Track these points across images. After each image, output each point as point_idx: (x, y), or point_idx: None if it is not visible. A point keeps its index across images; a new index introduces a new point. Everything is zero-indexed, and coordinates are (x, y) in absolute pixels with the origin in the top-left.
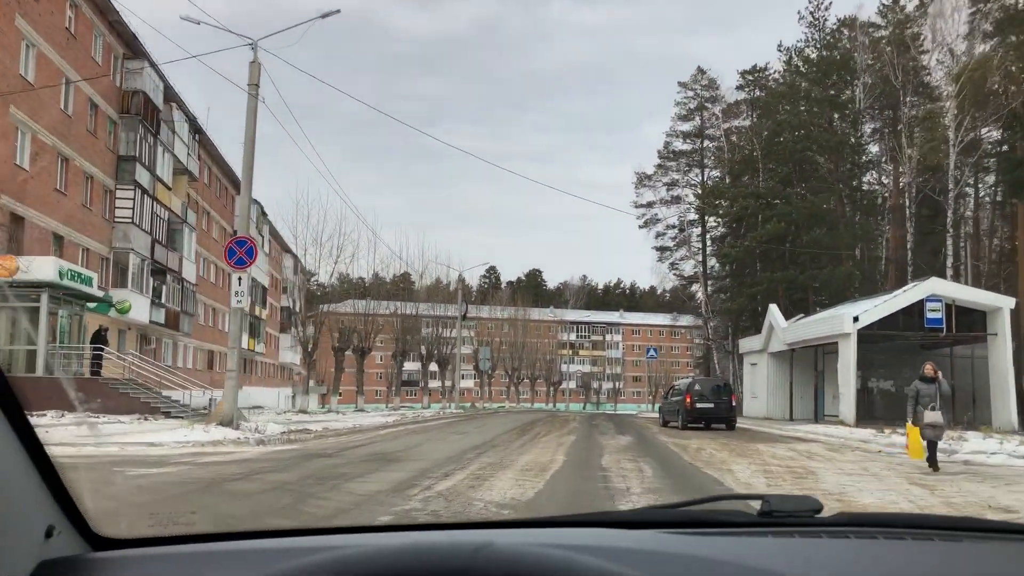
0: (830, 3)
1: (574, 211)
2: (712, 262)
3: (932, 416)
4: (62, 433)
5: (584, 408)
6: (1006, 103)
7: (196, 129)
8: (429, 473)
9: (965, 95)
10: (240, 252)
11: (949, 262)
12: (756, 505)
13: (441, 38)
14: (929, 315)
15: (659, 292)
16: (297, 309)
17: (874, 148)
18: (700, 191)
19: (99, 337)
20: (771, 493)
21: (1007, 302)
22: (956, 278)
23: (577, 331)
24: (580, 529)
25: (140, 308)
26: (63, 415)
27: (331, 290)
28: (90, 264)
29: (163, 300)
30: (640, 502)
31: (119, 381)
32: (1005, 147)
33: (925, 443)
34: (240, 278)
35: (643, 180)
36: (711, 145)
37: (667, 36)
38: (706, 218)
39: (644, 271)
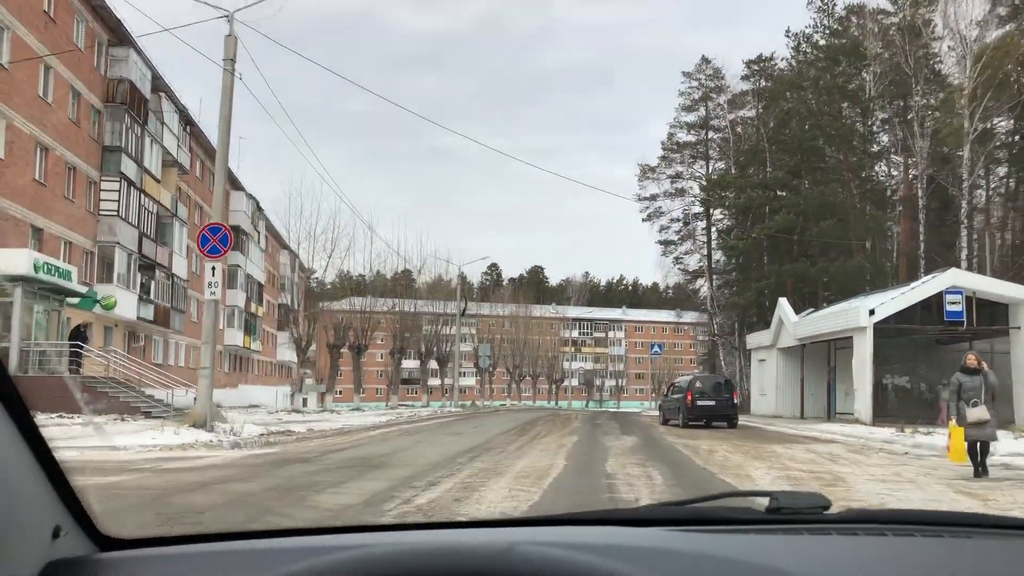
0: None
1: (577, 209)
2: (717, 256)
3: (977, 413)
4: None
5: (587, 406)
6: (1019, 92)
7: (187, 120)
8: (412, 482)
9: (982, 80)
10: (214, 240)
11: (963, 254)
12: (764, 502)
13: (444, 36)
14: (949, 308)
15: (662, 289)
16: (295, 306)
17: (884, 138)
18: (705, 183)
19: (78, 334)
20: (779, 490)
21: None
22: (971, 271)
23: (579, 328)
24: (594, 527)
25: (127, 304)
26: (35, 416)
27: (331, 287)
28: (73, 258)
29: (152, 296)
30: None
31: (97, 379)
32: (1018, 136)
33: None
34: (214, 267)
35: (647, 172)
36: (716, 136)
37: (670, 33)
38: (711, 211)
39: (647, 268)
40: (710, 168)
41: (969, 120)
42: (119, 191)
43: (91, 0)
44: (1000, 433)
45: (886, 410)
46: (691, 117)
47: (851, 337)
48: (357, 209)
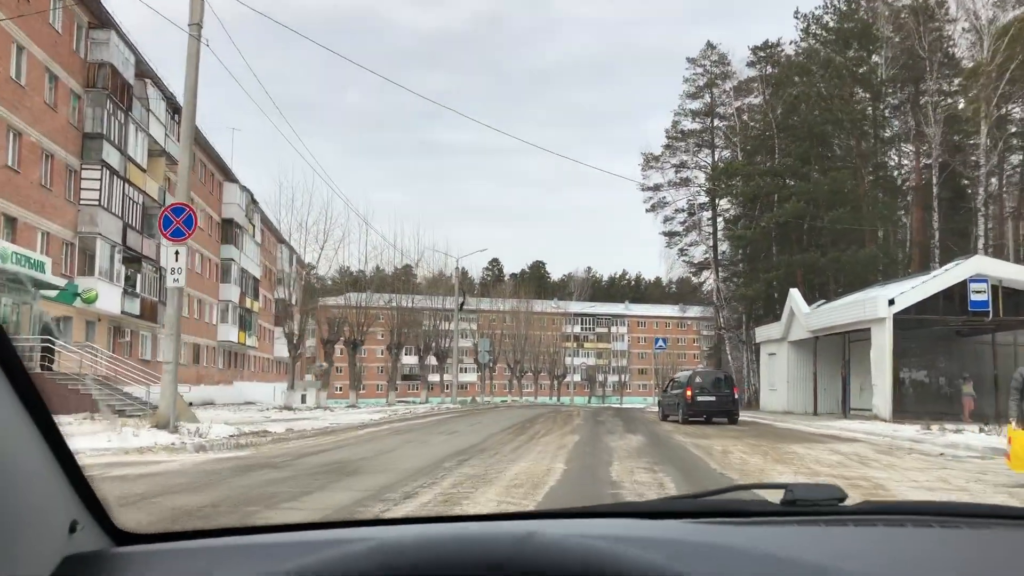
0: None
1: (579, 204)
2: (723, 247)
3: None
4: None
5: (589, 402)
6: None
7: (176, 109)
8: (385, 493)
9: (999, 63)
10: (177, 221)
11: (980, 243)
12: (779, 495)
13: (444, 32)
14: (973, 297)
15: (665, 284)
16: (292, 301)
17: (894, 124)
18: (711, 172)
19: (47, 329)
20: (794, 483)
21: None
22: None
23: (581, 323)
24: (610, 519)
25: (110, 298)
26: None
27: (332, 283)
28: (51, 249)
29: (138, 290)
30: None
31: (69, 376)
32: None
33: None
34: (177, 252)
35: (650, 161)
36: (722, 125)
37: (672, 27)
38: (717, 200)
39: (650, 263)
40: (716, 157)
41: (986, 104)
42: (101, 179)
43: None
44: None
45: (903, 406)
46: (696, 104)
47: (868, 329)
48: (350, 200)
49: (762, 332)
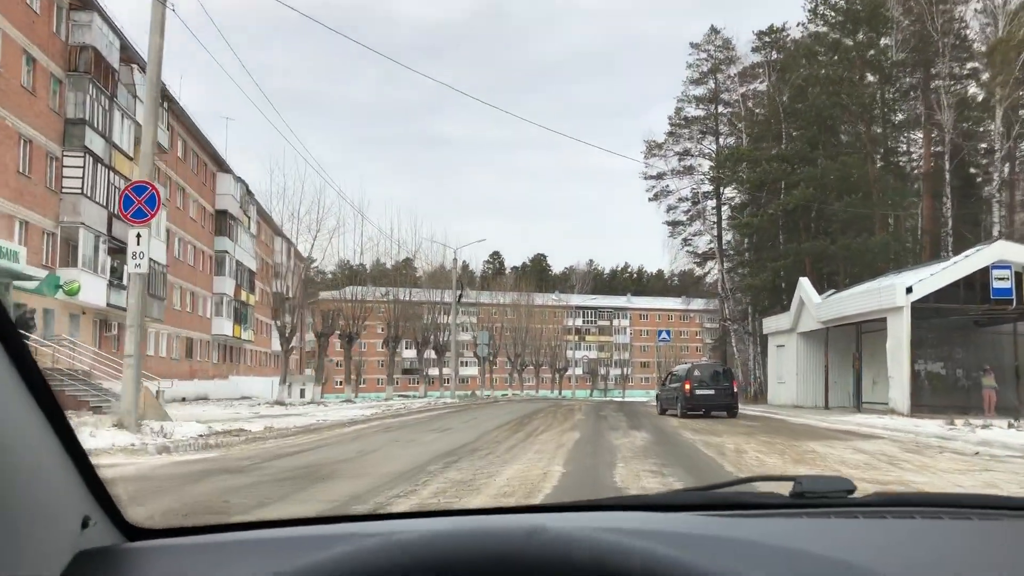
0: None
1: (580, 197)
2: (728, 237)
3: None
4: None
5: (591, 395)
6: None
7: (165, 96)
8: (356, 504)
9: (1014, 44)
10: (139, 202)
11: (996, 230)
12: (788, 487)
13: (444, 25)
14: (996, 284)
15: (667, 276)
16: (289, 294)
17: (905, 110)
18: (716, 158)
19: (21, 322)
20: (803, 475)
21: None
22: None
23: (583, 316)
24: (619, 513)
25: (95, 290)
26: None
27: (332, 276)
28: (30, 239)
29: (124, 282)
30: None
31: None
32: None
33: None
34: (139, 235)
35: (653, 149)
36: (726, 112)
37: (673, 19)
38: (722, 189)
39: (652, 255)
40: (720, 144)
41: (1002, 86)
42: (83, 167)
43: None
44: None
45: (919, 399)
46: (700, 91)
47: (883, 319)
48: (343, 191)
49: (770, 323)
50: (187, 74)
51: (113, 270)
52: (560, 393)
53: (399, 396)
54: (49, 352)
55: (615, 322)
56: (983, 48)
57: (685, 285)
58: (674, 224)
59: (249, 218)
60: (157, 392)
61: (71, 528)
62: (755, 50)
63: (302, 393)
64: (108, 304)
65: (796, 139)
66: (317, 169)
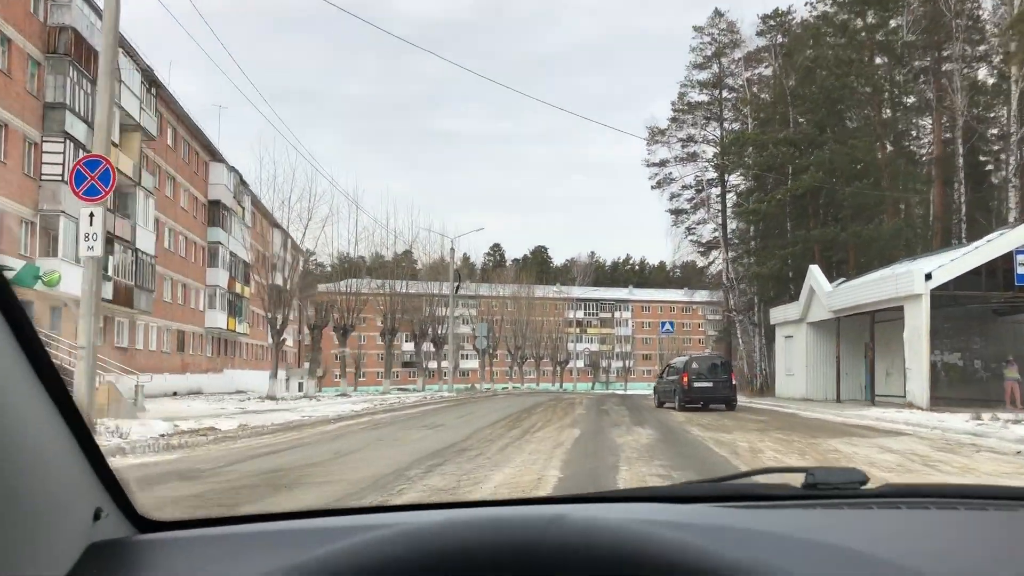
0: None
1: (582, 189)
2: (732, 225)
3: None
4: None
5: (592, 388)
6: None
7: (152, 82)
8: None
9: None
10: (91, 177)
11: (1012, 216)
12: (800, 478)
13: (445, 19)
14: (1021, 270)
15: (669, 268)
16: (286, 286)
17: (915, 96)
18: (720, 145)
19: None
20: (815, 466)
21: None
22: None
23: (585, 308)
24: (633, 504)
25: (78, 281)
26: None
27: (331, 269)
28: (6, 228)
29: (110, 273)
30: None
31: None
32: None
33: None
34: (92, 214)
35: (656, 136)
36: (731, 97)
37: (674, 12)
38: (727, 176)
39: (653, 247)
40: (724, 130)
41: (1018, 66)
42: (64, 153)
43: None
44: None
45: (936, 391)
46: (703, 75)
47: (898, 307)
48: (336, 180)
49: (778, 313)
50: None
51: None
52: (561, 386)
53: (398, 390)
54: None
55: (617, 314)
56: (996, 29)
57: (687, 277)
58: (677, 212)
59: (244, 208)
60: (136, 387)
61: (83, 520)
62: (760, 34)
63: (300, 387)
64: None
65: (804, 122)
66: (307, 157)
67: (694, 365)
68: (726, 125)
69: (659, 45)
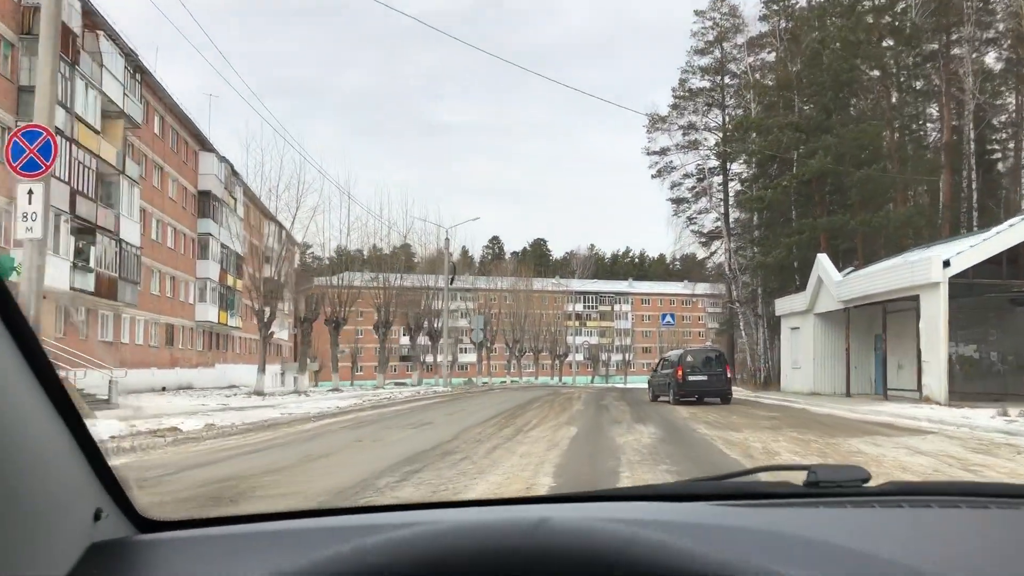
0: None
1: (581, 182)
2: (734, 215)
3: None
4: None
5: (592, 381)
6: None
7: (137, 68)
8: None
9: None
10: (30, 150)
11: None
12: (802, 476)
13: (446, 9)
14: None
15: (669, 260)
16: (282, 279)
17: (922, 81)
18: (722, 131)
19: None
20: (817, 464)
21: None
22: None
23: (584, 301)
24: (630, 503)
25: (57, 273)
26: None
27: (328, 262)
28: None
29: (91, 264)
30: None
31: None
32: None
33: None
34: (31, 191)
35: (656, 123)
36: (733, 83)
37: (673, 4)
38: (729, 164)
39: (653, 240)
40: (726, 118)
41: None
42: None
43: None
44: None
45: (951, 385)
46: (705, 61)
47: (913, 297)
48: (325, 170)
49: (784, 304)
50: (184, 62)
51: (79, 251)
52: (560, 380)
53: (394, 384)
54: None
55: (616, 307)
56: (1007, 12)
57: (688, 269)
58: (678, 202)
59: (235, 199)
60: (110, 382)
61: (84, 520)
62: (763, 19)
63: (295, 382)
64: (72, 288)
65: (809, 108)
66: (295, 145)
67: (688, 358)
68: (728, 112)
69: (659, 35)
